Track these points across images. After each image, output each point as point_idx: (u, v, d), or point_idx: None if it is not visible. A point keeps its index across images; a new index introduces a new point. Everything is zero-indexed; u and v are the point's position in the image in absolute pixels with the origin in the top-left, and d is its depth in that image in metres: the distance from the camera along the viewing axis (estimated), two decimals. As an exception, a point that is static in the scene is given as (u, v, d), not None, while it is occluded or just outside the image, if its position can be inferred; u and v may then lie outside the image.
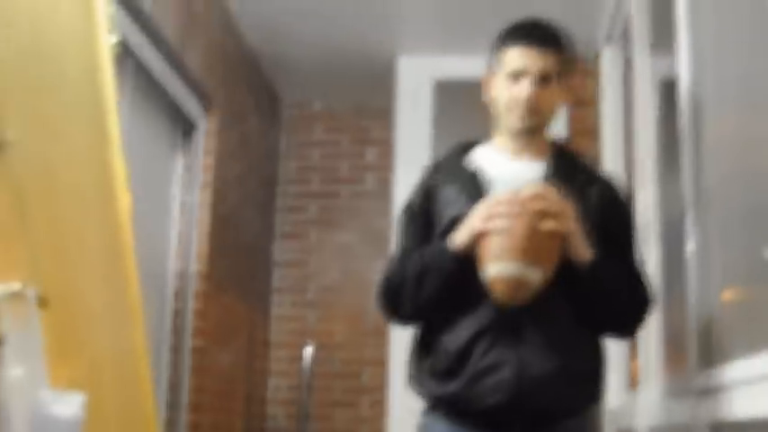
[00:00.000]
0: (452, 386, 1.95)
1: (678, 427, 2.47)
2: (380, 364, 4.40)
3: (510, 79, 2.05)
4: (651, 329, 3.13)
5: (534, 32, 2.07)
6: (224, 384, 4.03)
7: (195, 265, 3.73)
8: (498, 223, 1.88)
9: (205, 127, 3.87)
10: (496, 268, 1.88)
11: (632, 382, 3.69)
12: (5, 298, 1.41)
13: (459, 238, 1.95)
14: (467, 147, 2.18)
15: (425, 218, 2.08)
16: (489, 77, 2.14)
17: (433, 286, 1.98)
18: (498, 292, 1.89)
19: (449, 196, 2.06)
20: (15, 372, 1.38)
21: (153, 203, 3.50)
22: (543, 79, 2.03)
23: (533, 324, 1.94)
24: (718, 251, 2.27)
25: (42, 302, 1.50)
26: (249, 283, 4.48)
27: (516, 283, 1.86)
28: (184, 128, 3.79)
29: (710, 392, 2.15)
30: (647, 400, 3.01)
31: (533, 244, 1.86)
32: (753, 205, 2.02)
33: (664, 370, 3.04)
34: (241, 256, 4.33)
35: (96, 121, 2.06)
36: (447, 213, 2.04)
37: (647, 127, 3.32)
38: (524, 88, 2.02)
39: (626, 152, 3.95)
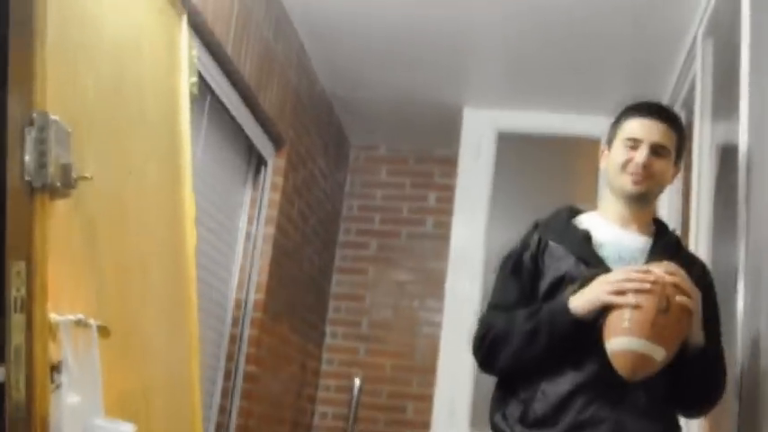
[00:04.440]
0: None
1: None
2: (426, 399, 4.37)
3: (627, 146, 2.07)
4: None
5: (656, 108, 2.13)
6: (272, 410, 4.04)
7: (254, 295, 3.75)
8: (630, 299, 1.86)
9: (274, 164, 3.91)
10: (623, 343, 1.85)
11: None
12: (68, 326, 1.43)
13: (581, 303, 1.92)
14: (573, 211, 2.18)
15: (530, 272, 2.06)
16: (605, 148, 2.17)
17: (544, 345, 1.95)
18: (621, 366, 1.86)
19: (557, 253, 2.05)
20: (72, 398, 1.39)
21: (220, 234, 3.54)
22: (657, 151, 2.06)
23: (636, 389, 1.92)
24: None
25: (104, 332, 1.52)
26: (305, 314, 4.49)
27: (641, 360, 1.84)
28: (255, 164, 3.84)
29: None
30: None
31: (662, 322, 1.84)
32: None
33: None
34: (299, 287, 4.34)
35: (170, 160, 2.10)
36: (554, 270, 2.02)
37: (703, 189, 3.27)
38: (641, 153, 2.05)
39: (683, 213, 3.89)
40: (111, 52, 1.80)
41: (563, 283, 1.98)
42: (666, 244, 2.09)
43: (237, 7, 3.13)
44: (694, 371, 1.95)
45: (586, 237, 2.06)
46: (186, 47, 2.26)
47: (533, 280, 2.06)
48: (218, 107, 3.30)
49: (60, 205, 1.47)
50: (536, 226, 2.15)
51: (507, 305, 2.05)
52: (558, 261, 2.03)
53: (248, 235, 3.79)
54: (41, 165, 1.41)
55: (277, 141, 3.86)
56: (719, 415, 2.68)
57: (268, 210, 3.84)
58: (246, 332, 3.70)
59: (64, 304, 1.45)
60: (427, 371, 4.38)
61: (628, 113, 2.14)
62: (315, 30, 3.83)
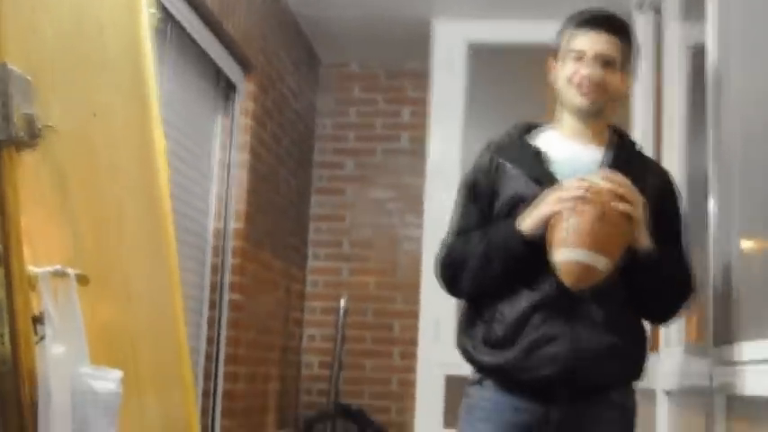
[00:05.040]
0: (507, 355, 1.96)
1: (695, 392, 2.47)
2: (411, 316, 4.43)
3: (575, 59, 2.04)
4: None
5: (603, 20, 2.07)
6: (260, 336, 4.09)
7: (233, 223, 3.76)
8: (568, 207, 1.87)
9: (244, 88, 3.86)
10: (565, 254, 1.86)
11: (653, 345, 3.68)
12: (47, 278, 1.44)
13: (527, 221, 1.94)
14: (528, 127, 2.16)
15: (487, 195, 2.07)
16: (553, 60, 2.13)
17: (499, 266, 1.98)
18: (566, 277, 1.88)
19: (510, 174, 2.04)
20: (57, 349, 1.40)
21: (194, 164, 3.52)
22: (607, 63, 2.03)
23: (589, 302, 1.95)
24: (739, 206, 2.26)
25: (83, 281, 1.52)
26: (286, 238, 4.51)
27: (583, 270, 1.86)
28: (225, 90, 3.79)
29: (727, 365, 2.14)
30: (667, 364, 3.01)
31: (602, 230, 1.85)
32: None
33: (685, 333, 3.03)
34: (278, 212, 4.35)
35: (136, 97, 2.07)
36: (508, 191, 2.03)
37: (675, 90, 3.28)
38: (587, 66, 2.02)
39: (655, 115, 3.90)
40: None
41: (519, 203, 1.98)
42: (622, 153, 2.09)
43: (194, -69, 3.05)
44: (649, 275, 1.97)
45: (538, 154, 2.05)
46: (144, -22, 2.20)
47: (491, 202, 2.06)
48: (183, 35, 3.24)
49: (27, 156, 1.45)
50: (489, 146, 2.14)
51: (468, 229, 2.06)
52: (511, 180, 2.03)
53: (222, 163, 3.78)
54: (5, 117, 1.39)
55: (245, 65, 3.81)
56: (698, 314, 2.75)
57: (241, 135, 3.82)
58: (228, 261, 3.72)
59: (41, 255, 1.46)
60: (411, 287, 4.42)
61: (573, 24, 2.09)
62: (276, -51, 3.75)
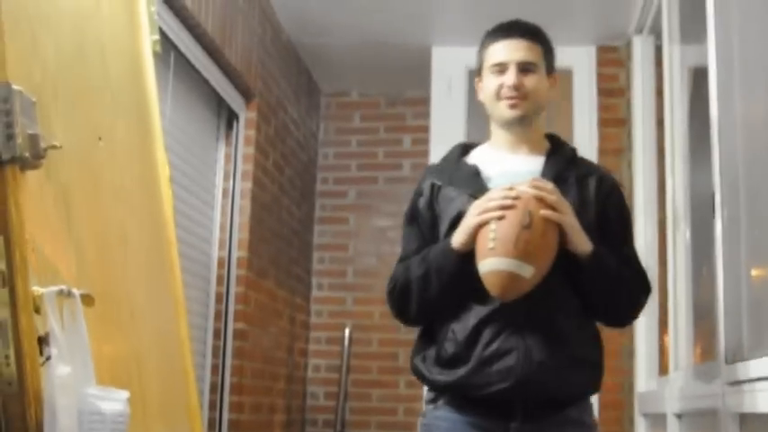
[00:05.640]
0: (460, 372, 1.93)
1: (706, 413, 2.44)
2: (416, 344, 4.40)
3: (497, 73, 2.04)
4: (681, 316, 3.10)
5: (514, 27, 2.08)
6: (265, 366, 4.06)
7: (237, 252, 3.75)
8: (492, 215, 1.86)
9: (245, 117, 3.88)
10: (490, 264, 1.84)
11: (662, 368, 3.66)
12: (52, 297, 1.42)
13: (457, 237, 1.93)
14: (465, 147, 2.16)
15: (427, 220, 2.06)
16: (478, 79, 2.13)
17: (438, 287, 1.96)
18: (491, 287, 1.85)
19: (450, 196, 2.03)
20: (63, 370, 1.39)
21: (197, 192, 3.52)
22: (528, 69, 2.03)
23: (539, 313, 1.92)
24: (746, 230, 2.25)
25: (88, 301, 1.51)
26: (290, 268, 4.50)
27: (509, 280, 1.83)
28: (227, 118, 3.81)
29: (739, 383, 2.12)
30: (677, 387, 2.99)
31: (528, 238, 1.83)
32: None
33: (693, 356, 3.01)
34: (281, 241, 4.34)
35: (139, 120, 2.07)
36: (451, 212, 2.01)
37: (677, 113, 3.28)
38: (509, 76, 2.01)
39: (657, 139, 3.91)
40: (69, 19, 1.77)
41: (459, 224, 1.96)
42: (560, 160, 2.07)
43: (195, -40, 3.08)
44: (597, 279, 1.95)
45: (475, 172, 2.04)
46: (145, 4, 2.22)
47: (433, 226, 2.05)
48: (184, 63, 3.26)
49: (32, 176, 1.45)
50: (428, 172, 2.14)
51: (410, 256, 2.05)
52: (452, 202, 2.01)
53: (225, 191, 3.78)
54: (9, 137, 1.39)
55: (246, 94, 3.83)
56: (706, 337, 2.73)
57: (243, 164, 3.82)
58: (233, 290, 3.71)
59: (45, 276, 1.45)
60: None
61: (488, 39, 2.10)
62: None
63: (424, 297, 1.98)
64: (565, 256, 1.91)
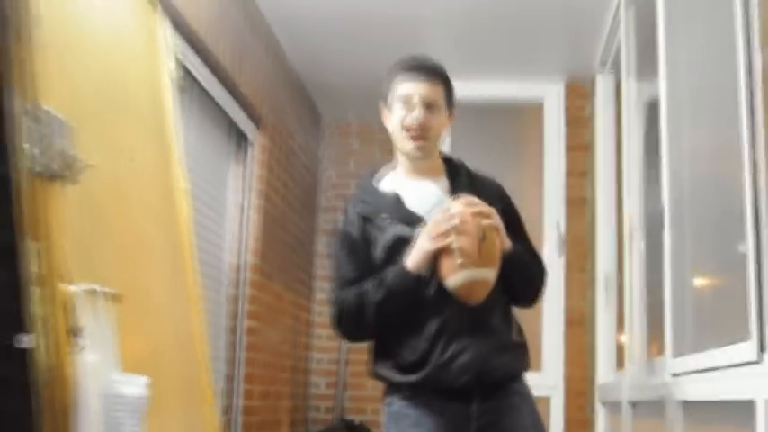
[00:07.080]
0: (421, 374, 1.94)
1: (656, 401, 2.47)
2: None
3: (403, 105, 2.01)
4: (635, 317, 3.12)
5: (423, 67, 2.04)
6: (273, 358, 4.08)
7: (248, 259, 3.77)
8: (449, 239, 1.86)
9: (256, 141, 3.91)
10: (463, 276, 1.87)
11: (619, 363, 3.68)
12: (82, 295, 1.45)
13: (415, 260, 1.92)
14: (374, 174, 2.13)
15: (361, 246, 2.00)
16: (384, 105, 2.09)
17: (399, 306, 1.94)
18: (466, 296, 1.90)
19: (380, 224, 2.00)
20: (91, 357, 1.41)
21: (212, 207, 3.55)
22: (431, 106, 2.01)
23: (477, 315, 1.95)
24: (691, 243, 2.28)
25: (116, 299, 1.54)
26: (295, 273, 4.52)
27: (480, 285, 1.89)
28: (239, 142, 3.83)
29: (682, 375, 2.15)
30: (631, 379, 3.01)
31: (485, 247, 1.88)
32: (722, 206, 2.03)
33: (648, 352, 3.03)
34: (288, 250, 4.37)
35: (159, 140, 2.09)
36: (386, 236, 1.98)
37: (633, 142, 3.31)
38: (416, 114, 1.99)
39: (616, 163, 3.94)
40: (94, 46, 1.76)
41: (399, 246, 1.95)
42: (459, 177, 2.08)
43: (215, 6, 3.11)
44: (517, 270, 1.99)
45: (397, 199, 2.02)
46: (165, 39, 2.23)
47: (367, 250, 2.00)
48: (200, 91, 3.29)
49: (70, 191, 1.47)
50: (351, 202, 2.09)
51: (352, 279, 2.00)
52: (384, 230, 1.99)
53: (239, 206, 3.80)
54: (42, 152, 1.41)
55: (256, 120, 3.85)
56: (657, 335, 2.75)
57: (255, 183, 3.85)
58: (245, 292, 3.73)
59: (79, 277, 1.47)
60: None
61: (398, 73, 2.05)
62: (283, 18, 3.81)
63: (385, 317, 1.95)
64: None
